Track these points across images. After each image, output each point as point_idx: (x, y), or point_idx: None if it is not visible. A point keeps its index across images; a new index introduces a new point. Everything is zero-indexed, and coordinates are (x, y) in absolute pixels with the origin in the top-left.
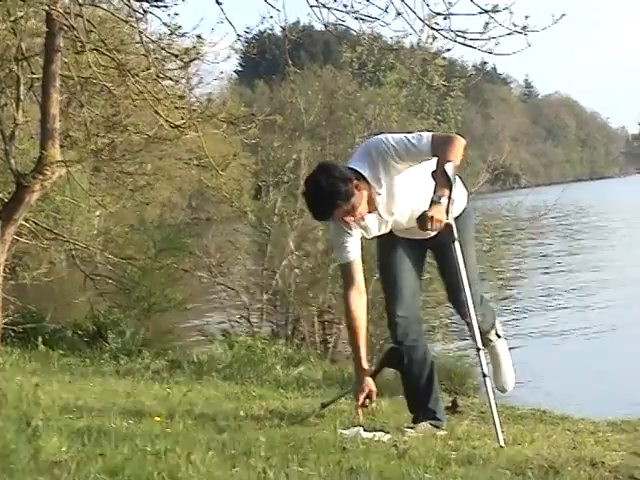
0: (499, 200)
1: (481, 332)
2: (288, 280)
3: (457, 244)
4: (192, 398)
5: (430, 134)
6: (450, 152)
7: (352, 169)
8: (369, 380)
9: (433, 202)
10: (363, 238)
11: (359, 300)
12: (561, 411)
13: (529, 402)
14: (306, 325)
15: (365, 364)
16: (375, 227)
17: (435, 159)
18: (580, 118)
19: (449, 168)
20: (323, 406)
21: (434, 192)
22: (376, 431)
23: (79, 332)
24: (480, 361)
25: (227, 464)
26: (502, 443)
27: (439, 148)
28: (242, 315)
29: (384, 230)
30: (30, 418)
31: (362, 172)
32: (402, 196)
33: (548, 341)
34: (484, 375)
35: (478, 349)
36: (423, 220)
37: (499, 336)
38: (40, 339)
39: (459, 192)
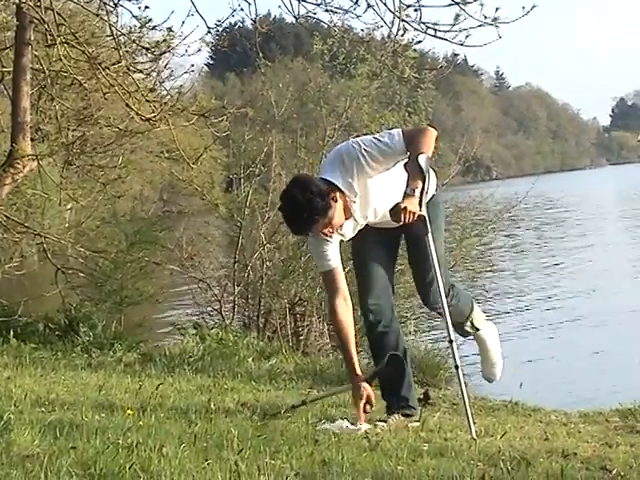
0: (470, 192)
1: (454, 324)
2: (260, 273)
3: (430, 237)
4: (164, 391)
5: (399, 130)
6: (422, 144)
7: (326, 180)
8: (365, 385)
9: (407, 194)
10: (341, 241)
11: (345, 307)
12: (533, 403)
13: (501, 394)
14: (278, 318)
15: (358, 369)
16: (351, 230)
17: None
18: (551, 110)
19: (422, 160)
20: (294, 407)
21: (407, 185)
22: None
23: (51, 325)
24: (453, 353)
25: (199, 457)
26: (474, 435)
27: (411, 142)
28: (214, 308)
29: (359, 229)
30: (2, 412)
31: (336, 183)
32: (376, 198)
33: (518, 332)
34: (456, 367)
35: (450, 341)
36: (396, 212)
37: (477, 328)
38: (11, 333)
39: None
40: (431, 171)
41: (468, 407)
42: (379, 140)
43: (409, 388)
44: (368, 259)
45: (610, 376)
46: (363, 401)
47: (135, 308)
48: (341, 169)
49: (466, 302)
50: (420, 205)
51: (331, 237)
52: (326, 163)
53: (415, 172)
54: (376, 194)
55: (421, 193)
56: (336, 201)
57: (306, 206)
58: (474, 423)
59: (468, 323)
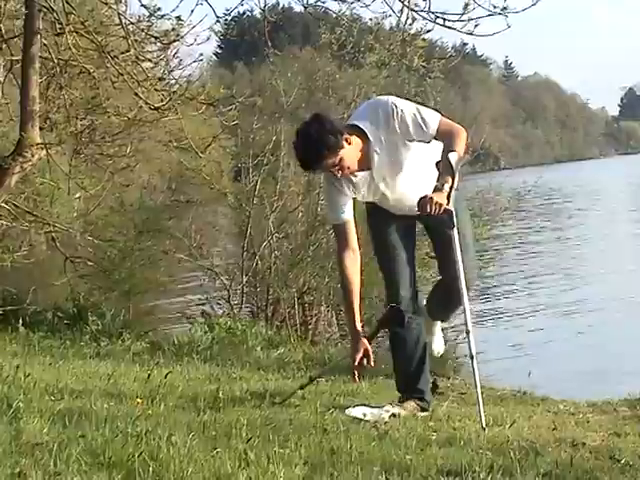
0: (478, 181)
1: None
2: (268, 262)
3: (456, 231)
4: (173, 380)
5: (439, 118)
6: (455, 143)
7: (353, 125)
8: (364, 341)
9: (436, 188)
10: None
11: (353, 261)
12: (542, 392)
13: (510, 383)
14: (286, 307)
15: (359, 325)
16: (365, 187)
17: (439, 150)
18: (560, 99)
19: (453, 158)
20: (311, 379)
21: (437, 180)
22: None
23: (59, 314)
24: (469, 343)
25: (208, 445)
26: (484, 425)
27: (445, 136)
28: (222, 297)
29: (370, 197)
30: (11, 400)
31: (364, 128)
32: (398, 167)
33: (524, 322)
34: (471, 357)
35: (467, 331)
36: (424, 202)
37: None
38: (20, 321)
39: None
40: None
41: (480, 398)
42: (419, 113)
43: (426, 383)
44: (393, 249)
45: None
46: (360, 354)
47: (143, 297)
48: (372, 119)
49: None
50: (448, 200)
51: (343, 185)
52: (359, 110)
53: (446, 168)
54: (399, 162)
55: (450, 189)
56: (350, 143)
57: (316, 138)
58: (484, 412)
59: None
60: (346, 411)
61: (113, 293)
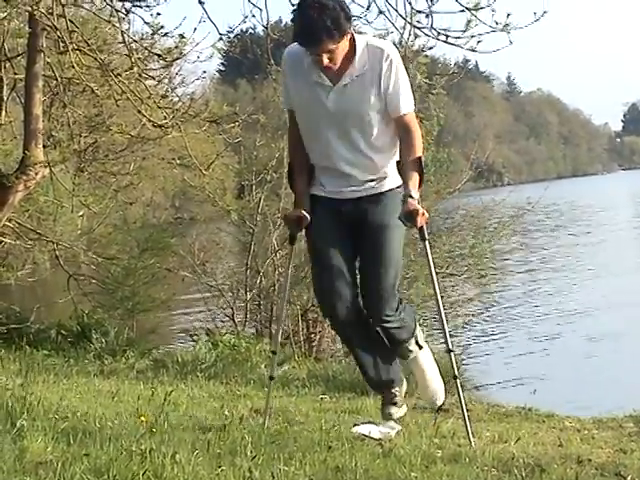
0: (482, 197)
1: (398, 341)
2: (272, 279)
3: (427, 243)
4: (177, 398)
5: (412, 109)
6: (419, 143)
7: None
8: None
9: (410, 197)
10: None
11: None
12: (547, 409)
13: (515, 400)
14: (290, 324)
15: (303, 189)
16: (322, 92)
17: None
18: (562, 115)
19: (421, 160)
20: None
21: (408, 186)
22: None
23: (63, 332)
24: (451, 363)
25: (213, 463)
26: (473, 444)
27: (407, 128)
28: (226, 314)
29: (305, 113)
30: (15, 419)
31: (357, 39)
32: (354, 112)
33: (531, 340)
34: (455, 377)
35: (449, 350)
36: (413, 216)
37: (420, 346)
38: (24, 340)
39: (393, 166)
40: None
41: (467, 417)
42: (407, 86)
43: (388, 372)
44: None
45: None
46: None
47: (147, 315)
48: (370, 46)
49: (411, 317)
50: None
51: (323, 70)
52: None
53: (415, 175)
54: (355, 110)
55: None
56: (349, 34)
57: (333, 16)
58: (487, 429)
59: (412, 340)
60: (352, 429)
61: (117, 311)
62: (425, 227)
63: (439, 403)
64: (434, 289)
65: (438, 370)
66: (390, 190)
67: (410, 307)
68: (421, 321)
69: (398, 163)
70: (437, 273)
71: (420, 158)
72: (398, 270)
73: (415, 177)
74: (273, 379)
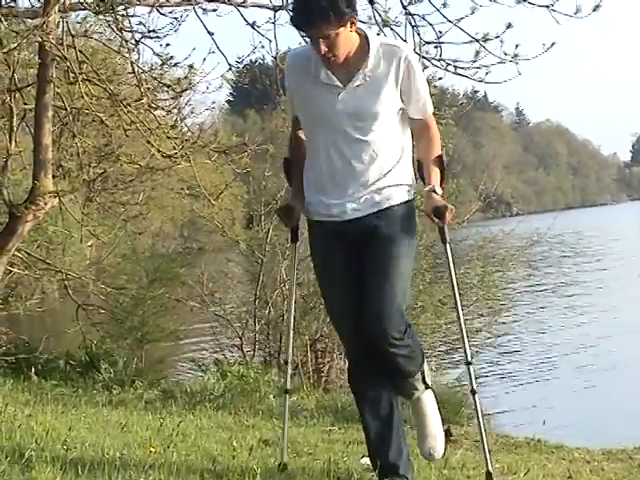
0: (491, 228)
1: (404, 373)
2: (281, 309)
3: (448, 246)
4: (185, 428)
5: (432, 109)
6: (439, 147)
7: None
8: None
9: (435, 192)
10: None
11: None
12: (556, 440)
13: (523, 431)
14: (299, 354)
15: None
16: (332, 93)
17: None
18: (571, 146)
19: (444, 159)
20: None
21: (430, 182)
22: None
23: (72, 362)
24: (469, 376)
25: None
26: (490, 469)
27: (427, 129)
28: (235, 344)
29: (321, 119)
30: (23, 449)
31: (369, 36)
32: (366, 114)
33: (539, 371)
34: (473, 392)
35: (468, 363)
36: (442, 212)
37: (427, 385)
38: (33, 369)
39: (407, 174)
40: (411, 166)
41: (485, 437)
42: (427, 87)
43: (399, 453)
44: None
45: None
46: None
47: (156, 344)
48: (384, 45)
49: (419, 348)
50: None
51: (318, 63)
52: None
53: (436, 171)
54: (367, 111)
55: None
56: (352, 29)
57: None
58: (496, 460)
59: (419, 376)
60: (361, 460)
61: (125, 341)
62: (446, 229)
63: (437, 457)
64: (454, 295)
65: (440, 419)
66: (398, 205)
67: (418, 338)
68: (430, 351)
69: (419, 167)
70: (445, 305)
71: (441, 156)
72: (406, 289)
73: (437, 173)
74: (288, 392)
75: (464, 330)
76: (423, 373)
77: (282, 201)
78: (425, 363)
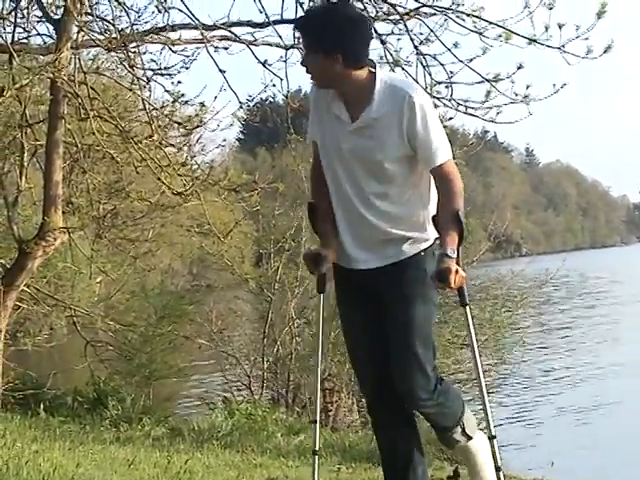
0: (500, 268)
1: (440, 428)
2: (289, 348)
3: (468, 309)
4: (193, 466)
5: (448, 157)
6: (457, 200)
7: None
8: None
9: (447, 256)
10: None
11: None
12: None
13: (530, 471)
14: (307, 393)
15: (327, 229)
16: (340, 128)
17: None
18: (581, 187)
19: (461, 216)
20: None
21: (446, 243)
22: None
23: (79, 399)
24: (493, 452)
25: None
26: None
27: (447, 180)
28: (243, 382)
29: (331, 152)
30: None
31: (377, 71)
32: (370, 162)
33: (548, 412)
34: (498, 469)
35: (492, 437)
36: (446, 274)
37: (469, 437)
38: (41, 405)
39: (417, 226)
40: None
41: None
42: (441, 135)
43: None
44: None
45: None
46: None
47: (164, 382)
48: (393, 84)
49: (457, 402)
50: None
51: (331, 96)
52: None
53: (454, 230)
54: (372, 160)
55: (458, 254)
56: (334, 61)
57: (319, 24)
58: None
59: (458, 429)
60: None
61: (133, 378)
62: (465, 290)
63: None
64: (475, 365)
65: (492, 466)
66: (410, 257)
67: (456, 390)
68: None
69: (434, 219)
70: (453, 343)
71: (458, 211)
72: (428, 346)
73: (452, 233)
74: (317, 454)
75: (487, 400)
76: (463, 425)
77: (310, 249)
78: (466, 414)
